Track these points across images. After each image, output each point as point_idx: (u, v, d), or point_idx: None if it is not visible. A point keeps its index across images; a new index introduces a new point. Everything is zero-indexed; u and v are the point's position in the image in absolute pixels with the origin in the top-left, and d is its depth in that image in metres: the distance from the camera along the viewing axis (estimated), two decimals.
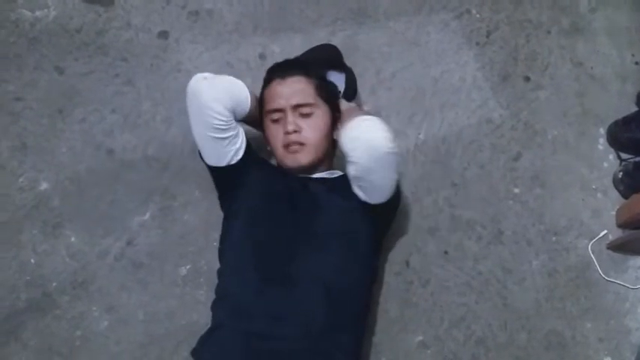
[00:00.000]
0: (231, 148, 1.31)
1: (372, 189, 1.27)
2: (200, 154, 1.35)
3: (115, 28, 1.72)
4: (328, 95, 1.40)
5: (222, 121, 1.26)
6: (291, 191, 1.34)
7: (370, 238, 1.34)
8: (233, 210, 1.36)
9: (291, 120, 1.33)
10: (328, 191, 1.35)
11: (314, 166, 1.38)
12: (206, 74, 1.28)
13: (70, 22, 1.71)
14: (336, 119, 1.40)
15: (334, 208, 1.32)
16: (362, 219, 1.32)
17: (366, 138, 1.20)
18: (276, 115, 1.36)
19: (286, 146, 1.34)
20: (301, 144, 1.33)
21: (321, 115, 1.36)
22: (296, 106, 1.34)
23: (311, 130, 1.34)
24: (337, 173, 1.42)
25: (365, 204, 1.30)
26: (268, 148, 1.43)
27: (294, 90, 1.35)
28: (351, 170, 1.25)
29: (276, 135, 1.36)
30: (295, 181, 1.37)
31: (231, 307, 1.24)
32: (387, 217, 1.41)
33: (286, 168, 1.38)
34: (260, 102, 1.41)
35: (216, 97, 1.25)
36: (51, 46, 1.67)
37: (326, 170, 1.42)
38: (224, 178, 1.37)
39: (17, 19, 1.69)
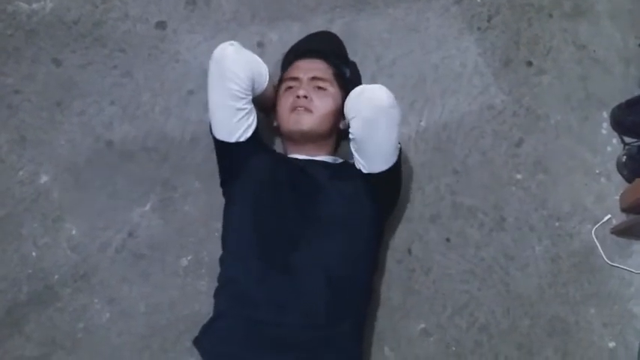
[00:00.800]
0: (243, 124, 1.34)
1: (373, 152, 1.28)
2: (211, 128, 1.37)
3: (112, 19, 1.70)
4: (344, 83, 1.46)
5: (242, 88, 1.30)
6: (293, 177, 1.34)
7: (372, 223, 1.34)
8: (235, 196, 1.36)
9: (305, 87, 1.39)
10: (331, 177, 1.36)
11: (317, 144, 1.40)
12: (233, 42, 1.33)
13: (67, 14, 1.70)
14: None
15: (337, 194, 1.33)
16: (364, 204, 1.32)
17: (368, 93, 1.26)
18: (291, 83, 1.42)
19: (293, 109, 1.37)
20: (308, 110, 1.36)
21: (332, 94, 1.41)
22: (312, 78, 1.41)
23: (320, 101, 1.39)
24: (340, 160, 1.44)
25: (367, 182, 1.30)
26: (275, 124, 1.46)
27: (314, 66, 1.44)
28: (355, 131, 1.27)
29: (287, 100, 1.41)
30: (298, 165, 1.38)
31: (233, 294, 1.25)
32: (390, 195, 1.41)
33: (288, 134, 1.40)
34: (279, 81, 1.48)
35: (241, 64, 1.30)
36: (48, 39, 1.66)
37: (329, 156, 1.44)
38: (229, 157, 1.38)
39: (14, 11, 1.68)
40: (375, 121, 1.24)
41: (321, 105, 1.38)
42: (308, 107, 1.37)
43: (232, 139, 1.34)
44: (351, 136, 1.29)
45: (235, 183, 1.36)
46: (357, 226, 1.31)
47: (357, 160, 1.31)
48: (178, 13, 1.73)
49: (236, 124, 1.33)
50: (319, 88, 1.40)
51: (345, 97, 1.36)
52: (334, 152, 1.48)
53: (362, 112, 1.24)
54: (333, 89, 1.42)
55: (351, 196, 1.33)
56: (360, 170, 1.32)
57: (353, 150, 1.32)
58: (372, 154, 1.29)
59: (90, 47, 1.67)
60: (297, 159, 1.41)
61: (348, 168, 1.38)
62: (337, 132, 1.46)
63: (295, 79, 1.42)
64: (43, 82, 1.61)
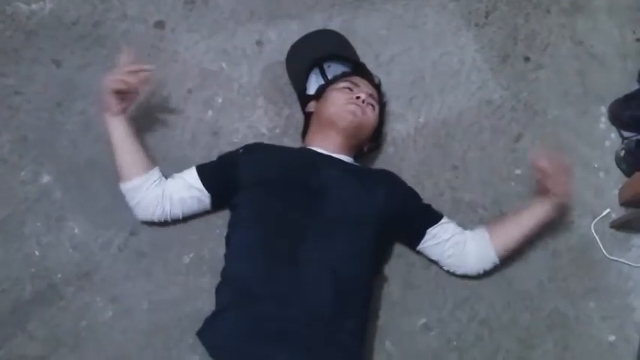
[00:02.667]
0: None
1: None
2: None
3: (111, 20, 1.71)
4: (381, 111, 1.54)
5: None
6: (304, 173, 1.36)
7: (381, 226, 1.34)
8: (243, 194, 1.37)
9: (365, 96, 1.45)
10: (344, 175, 1.38)
11: (344, 143, 1.44)
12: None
13: (66, 15, 1.70)
14: (375, 133, 1.52)
15: (348, 194, 1.35)
16: (375, 208, 1.34)
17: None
18: (352, 86, 1.48)
19: (351, 102, 1.43)
20: (364, 112, 1.43)
21: (376, 115, 1.49)
22: (369, 95, 1.48)
23: (372, 115, 1.47)
24: (356, 163, 1.49)
25: (386, 207, 1.36)
26: (311, 109, 1.53)
27: (371, 87, 1.52)
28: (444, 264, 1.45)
29: (344, 95, 1.45)
30: (311, 160, 1.40)
31: (238, 289, 1.25)
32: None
33: (333, 120, 1.42)
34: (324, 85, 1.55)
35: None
36: (48, 39, 1.67)
37: (348, 156, 1.47)
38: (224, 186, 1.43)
39: (13, 12, 1.69)
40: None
41: (371, 116, 1.46)
42: (362, 109, 1.43)
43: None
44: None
45: (242, 187, 1.38)
46: (365, 227, 1.32)
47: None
48: (177, 12, 1.74)
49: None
50: (371, 104, 1.47)
51: (380, 124, 1.53)
52: (353, 158, 1.51)
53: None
54: (377, 111, 1.50)
55: (363, 198, 1.35)
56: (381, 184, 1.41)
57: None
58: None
59: (89, 48, 1.67)
60: (314, 152, 1.43)
61: (365, 172, 1.46)
62: (360, 147, 1.52)
63: (357, 85, 1.49)
64: (44, 82, 1.62)
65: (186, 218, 1.47)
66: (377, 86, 1.57)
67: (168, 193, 1.40)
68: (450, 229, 1.41)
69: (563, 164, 1.41)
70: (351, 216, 1.32)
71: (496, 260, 1.42)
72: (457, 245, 1.40)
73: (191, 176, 1.41)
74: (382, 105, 1.57)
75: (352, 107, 1.42)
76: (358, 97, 1.43)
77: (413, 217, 1.42)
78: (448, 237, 1.40)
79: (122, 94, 1.38)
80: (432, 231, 1.40)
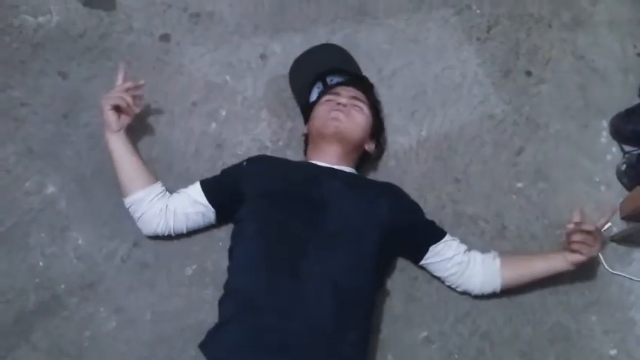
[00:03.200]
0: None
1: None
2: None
3: (117, 32, 1.73)
4: (376, 111, 1.56)
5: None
6: (306, 186, 1.37)
7: (383, 239, 1.34)
8: (246, 207, 1.38)
9: (345, 99, 1.47)
10: (346, 188, 1.38)
11: (341, 151, 1.45)
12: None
13: (72, 28, 1.73)
14: (372, 135, 1.53)
15: (350, 207, 1.35)
16: (377, 221, 1.34)
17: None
18: (332, 97, 1.50)
19: (332, 111, 1.45)
20: (345, 115, 1.44)
21: (366, 114, 1.49)
22: (352, 97, 1.49)
23: (357, 115, 1.47)
24: (357, 173, 1.50)
25: (389, 220, 1.36)
26: (305, 132, 1.56)
27: (355, 92, 1.53)
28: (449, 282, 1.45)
29: (326, 106, 1.48)
30: (313, 173, 1.41)
31: (241, 301, 1.26)
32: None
33: (320, 134, 1.45)
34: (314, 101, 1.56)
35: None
36: (54, 52, 1.69)
37: (350, 168, 1.48)
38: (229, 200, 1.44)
39: (20, 24, 1.71)
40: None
41: (357, 116, 1.47)
42: (346, 113, 1.44)
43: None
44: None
45: (245, 201, 1.39)
46: (367, 240, 1.32)
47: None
48: (182, 25, 1.76)
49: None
50: (357, 106, 1.48)
51: (374, 123, 1.52)
52: (354, 168, 1.52)
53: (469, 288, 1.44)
54: (367, 111, 1.50)
55: (364, 211, 1.35)
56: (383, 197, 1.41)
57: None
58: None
59: (95, 60, 1.69)
60: (315, 165, 1.44)
61: (368, 184, 1.46)
62: (361, 151, 1.52)
63: (337, 94, 1.50)
64: (50, 94, 1.64)
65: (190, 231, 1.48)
66: (367, 88, 1.57)
67: (172, 208, 1.41)
68: (453, 247, 1.41)
69: (597, 229, 1.36)
70: (353, 229, 1.32)
71: (498, 289, 1.42)
72: (460, 265, 1.40)
73: (195, 191, 1.43)
74: (376, 105, 1.58)
75: (334, 114, 1.44)
76: (339, 103, 1.45)
77: (416, 233, 1.42)
78: (451, 255, 1.40)
79: (120, 112, 1.43)
80: (434, 248, 1.40)
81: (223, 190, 1.43)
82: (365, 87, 1.57)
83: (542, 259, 1.41)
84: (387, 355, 1.44)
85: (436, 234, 1.42)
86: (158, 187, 1.43)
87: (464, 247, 1.43)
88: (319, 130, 1.46)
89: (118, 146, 1.42)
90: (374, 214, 1.35)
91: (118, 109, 1.42)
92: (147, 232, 1.45)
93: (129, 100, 1.42)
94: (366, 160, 1.57)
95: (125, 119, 1.44)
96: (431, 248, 1.40)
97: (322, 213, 1.32)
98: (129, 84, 1.46)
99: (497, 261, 1.41)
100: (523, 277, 1.42)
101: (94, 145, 1.58)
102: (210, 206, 1.42)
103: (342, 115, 1.44)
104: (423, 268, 1.47)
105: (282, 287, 1.24)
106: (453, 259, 1.40)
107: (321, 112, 1.48)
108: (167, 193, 1.45)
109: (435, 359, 1.45)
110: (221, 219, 1.46)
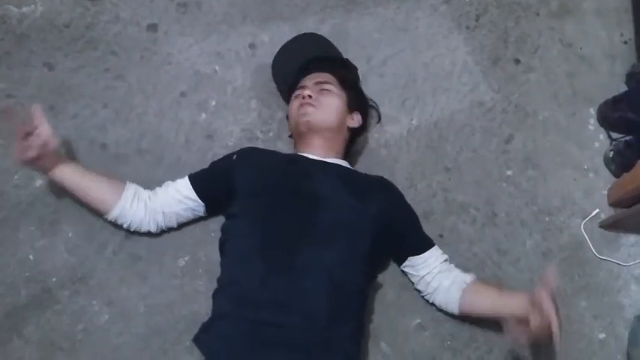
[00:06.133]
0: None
1: None
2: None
3: (103, 22, 1.71)
4: (347, 84, 1.52)
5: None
6: (299, 182, 1.36)
7: (376, 232, 1.35)
8: (238, 202, 1.37)
9: (310, 89, 1.45)
10: (338, 183, 1.37)
11: (325, 141, 1.44)
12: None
13: (58, 18, 1.70)
14: (352, 109, 1.50)
15: (343, 201, 1.34)
16: (369, 216, 1.34)
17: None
18: (298, 92, 1.48)
19: (300, 106, 1.44)
20: (313, 106, 1.42)
21: (336, 93, 1.47)
22: (316, 83, 1.47)
23: (325, 98, 1.45)
24: (349, 166, 1.49)
25: (379, 215, 1.35)
26: (289, 134, 1.56)
27: (319, 76, 1.50)
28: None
29: (295, 103, 1.47)
30: (306, 167, 1.39)
31: (235, 295, 1.25)
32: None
33: (297, 130, 1.45)
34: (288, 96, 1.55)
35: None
36: (40, 42, 1.66)
37: (341, 160, 1.47)
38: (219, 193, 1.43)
39: (4, 15, 1.68)
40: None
41: (326, 101, 1.45)
42: (312, 104, 1.43)
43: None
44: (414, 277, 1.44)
45: (237, 194, 1.38)
46: (360, 235, 1.32)
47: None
48: (169, 15, 1.74)
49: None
50: (323, 89, 1.46)
51: (349, 97, 1.48)
52: (346, 155, 1.52)
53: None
54: (336, 89, 1.48)
55: (356, 206, 1.34)
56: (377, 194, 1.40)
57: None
58: None
59: (82, 50, 1.67)
60: (307, 158, 1.42)
61: (361, 178, 1.44)
62: (347, 131, 1.50)
63: (302, 87, 1.48)
64: (36, 86, 1.61)
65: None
66: (335, 65, 1.55)
67: (160, 208, 1.40)
68: (429, 265, 1.40)
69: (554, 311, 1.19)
70: (346, 224, 1.32)
71: (455, 313, 1.41)
72: (426, 286, 1.41)
73: (184, 187, 1.41)
74: (348, 77, 1.55)
75: (302, 110, 1.43)
76: (304, 97, 1.44)
77: (400, 239, 1.42)
78: (422, 274, 1.40)
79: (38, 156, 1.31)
80: (412, 259, 1.41)
81: (213, 185, 1.42)
82: (332, 65, 1.54)
83: (506, 306, 1.30)
84: (380, 342, 1.45)
85: (419, 246, 1.42)
86: (129, 189, 1.40)
87: (439, 266, 1.40)
88: (295, 129, 1.47)
89: (65, 177, 1.36)
90: (365, 210, 1.34)
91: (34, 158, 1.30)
92: (140, 231, 1.44)
93: (34, 144, 1.28)
94: (358, 134, 1.55)
95: (43, 152, 1.30)
96: (409, 258, 1.41)
97: (315, 209, 1.31)
98: (22, 130, 1.29)
99: (459, 294, 1.37)
100: (480, 313, 1.38)
101: (82, 136, 1.56)
102: (200, 201, 1.41)
103: (310, 108, 1.42)
104: None
105: (277, 282, 1.23)
106: (422, 279, 1.41)
107: (292, 110, 1.48)
108: (139, 188, 1.42)
109: (428, 346, 1.46)
110: (211, 212, 1.46)
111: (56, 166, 1.36)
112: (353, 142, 1.54)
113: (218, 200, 1.42)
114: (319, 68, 1.53)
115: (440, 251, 1.43)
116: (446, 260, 1.43)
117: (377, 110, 1.64)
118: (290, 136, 1.58)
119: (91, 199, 1.38)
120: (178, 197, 1.41)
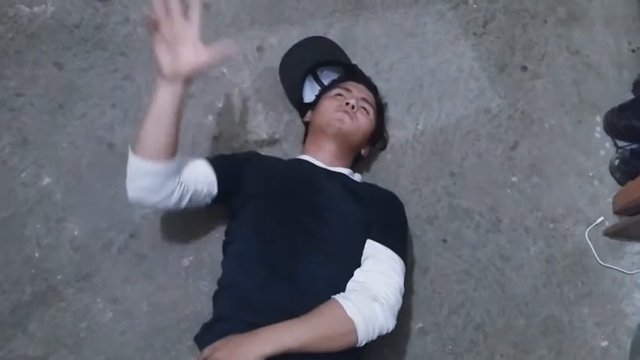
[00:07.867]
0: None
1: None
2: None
3: (113, 23, 1.72)
4: (379, 113, 1.55)
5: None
6: (304, 191, 1.35)
7: None
8: (241, 204, 1.37)
9: (355, 101, 1.44)
10: (343, 191, 1.37)
11: (339, 151, 1.44)
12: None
13: (68, 18, 1.71)
14: (373, 136, 1.53)
15: (346, 210, 1.34)
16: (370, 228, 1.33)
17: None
18: (343, 92, 1.48)
19: (340, 109, 1.43)
20: (351, 118, 1.42)
21: (371, 119, 1.49)
22: (362, 99, 1.48)
23: (362, 118, 1.46)
24: (357, 176, 1.49)
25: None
26: (306, 119, 1.55)
27: (365, 91, 1.52)
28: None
29: (335, 102, 1.46)
30: (311, 178, 1.38)
31: (234, 298, 1.25)
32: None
33: (323, 128, 1.44)
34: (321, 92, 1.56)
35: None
36: (50, 42, 1.68)
37: (346, 169, 1.47)
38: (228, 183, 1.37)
39: (15, 14, 1.70)
40: None
41: (362, 121, 1.46)
42: (352, 116, 1.43)
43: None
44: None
45: (240, 195, 1.37)
46: (362, 245, 1.30)
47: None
48: None
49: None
50: (364, 108, 1.48)
51: (376, 129, 1.51)
52: (351, 169, 1.51)
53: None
54: (372, 115, 1.50)
55: (360, 217, 1.33)
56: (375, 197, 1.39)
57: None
58: None
59: (91, 51, 1.68)
60: (312, 165, 1.42)
61: (363, 188, 1.42)
62: (357, 153, 1.53)
63: (349, 90, 1.49)
64: (45, 85, 1.63)
65: (187, 221, 1.48)
66: (373, 88, 1.58)
67: (185, 188, 1.28)
68: (367, 263, 1.28)
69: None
70: (348, 234, 1.31)
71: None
72: (359, 284, 1.24)
73: (204, 166, 1.33)
74: (380, 107, 1.58)
75: (340, 115, 1.42)
76: (348, 104, 1.44)
77: (374, 223, 1.33)
78: (361, 271, 1.27)
79: (173, 50, 1.17)
80: (370, 242, 1.30)
81: (228, 165, 1.36)
82: (372, 87, 1.57)
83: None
84: (383, 347, 1.45)
85: (378, 234, 1.31)
86: (175, 163, 1.24)
87: (364, 278, 1.24)
88: (322, 126, 1.45)
89: (163, 99, 1.19)
90: (367, 221, 1.33)
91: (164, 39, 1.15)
92: (147, 202, 1.25)
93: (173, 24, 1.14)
94: (357, 160, 1.56)
95: (186, 60, 1.15)
96: (368, 241, 1.31)
97: (319, 217, 1.31)
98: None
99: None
100: None
101: (90, 135, 1.58)
102: (214, 177, 1.32)
103: (347, 117, 1.42)
104: (411, 257, 1.50)
105: (278, 287, 1.22)
106: (358, 273, 1.27)
107: (328, 107, 1.46)
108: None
109: (430, 350, 1.47)
110: (221, 196, 1.35)
111: (172, 82, 1.19)
112: (354, 162, 1.53)
113: (230, 183, 1.34)
114: (369, 85, 1.56)
115: (390, 264, 1.26)
116: (383, 274, 1.24)
117: (387, 140, 1.65)
118: (305, 126, 1.57)
119: (152, 135, 1.21)
120: (200, 176, 1.31)
